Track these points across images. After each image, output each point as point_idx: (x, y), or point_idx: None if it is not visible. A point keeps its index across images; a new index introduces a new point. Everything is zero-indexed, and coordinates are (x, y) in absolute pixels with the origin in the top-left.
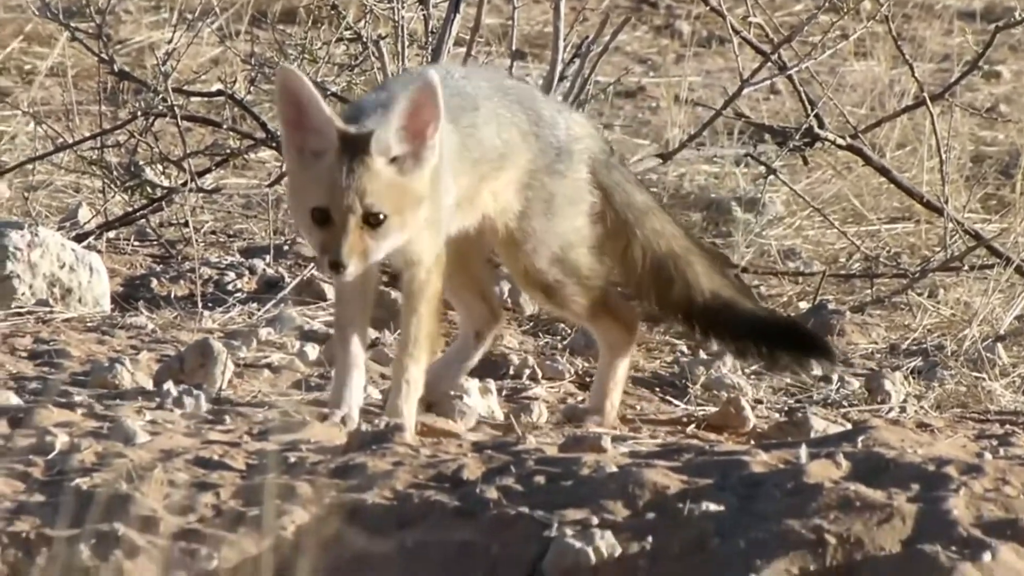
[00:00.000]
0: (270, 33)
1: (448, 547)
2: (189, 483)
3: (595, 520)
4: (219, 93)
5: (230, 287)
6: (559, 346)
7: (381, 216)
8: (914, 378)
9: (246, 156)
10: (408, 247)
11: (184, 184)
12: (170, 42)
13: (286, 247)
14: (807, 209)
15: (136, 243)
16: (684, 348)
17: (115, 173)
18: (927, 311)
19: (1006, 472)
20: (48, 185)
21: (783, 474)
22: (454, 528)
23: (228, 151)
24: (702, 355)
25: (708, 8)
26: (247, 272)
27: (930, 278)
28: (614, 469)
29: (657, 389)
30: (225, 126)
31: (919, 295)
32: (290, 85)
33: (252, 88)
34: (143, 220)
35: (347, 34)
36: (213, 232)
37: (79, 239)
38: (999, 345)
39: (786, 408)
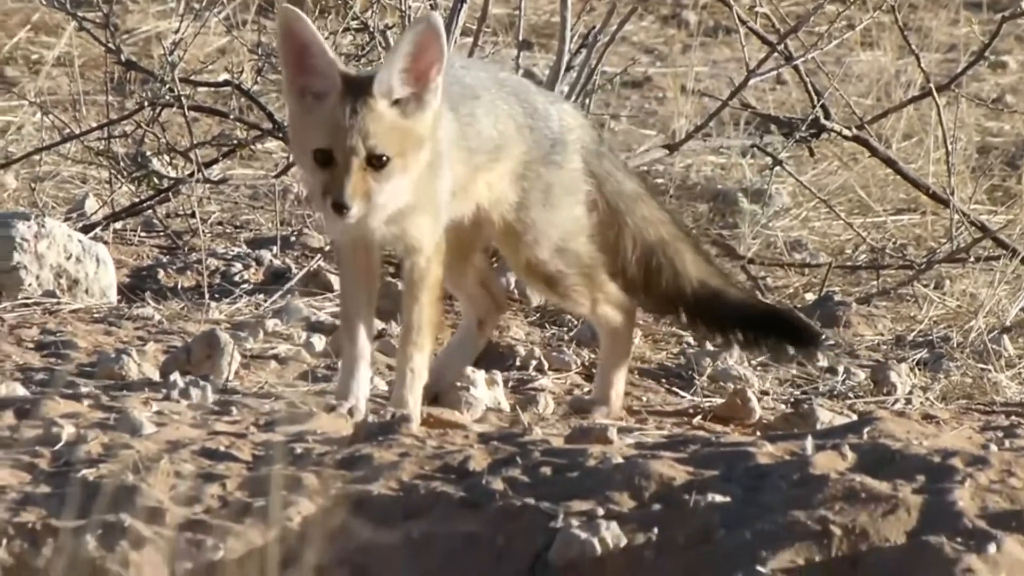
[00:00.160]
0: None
1: (454, 538)
2: (195, 474)
3: (601, 511)
4: (226, 83)
5: (237, 278)
6: (565, 337)
7: (384, 158)
8: (920, 370)
9: (253, 147)
10: (408, 232)
11: (191, 175)
12: (177, 32)
13: (293, 238)
14: (813, 200)
15: (143, 234)
16: (690, 340)
17: (122, 164)
18: (933, 303)
19: (1011, 464)
20: (55, 176)
21: (789, 465)
22: (460, 519)
23: (235, 141)
24: (708, 346)
25: None
26: (254, 263)
27: (936, 269)
28: (620, 460)
29: (663, 380)
30: (232, 116)
31: (925, 286)
32: (292, 26)
33: (259, 78)
34: (150, 211)
35: (354, 24)
36: (220, 223)
37: (86, 230)
38: (1005, 337)
39: (792, 399)
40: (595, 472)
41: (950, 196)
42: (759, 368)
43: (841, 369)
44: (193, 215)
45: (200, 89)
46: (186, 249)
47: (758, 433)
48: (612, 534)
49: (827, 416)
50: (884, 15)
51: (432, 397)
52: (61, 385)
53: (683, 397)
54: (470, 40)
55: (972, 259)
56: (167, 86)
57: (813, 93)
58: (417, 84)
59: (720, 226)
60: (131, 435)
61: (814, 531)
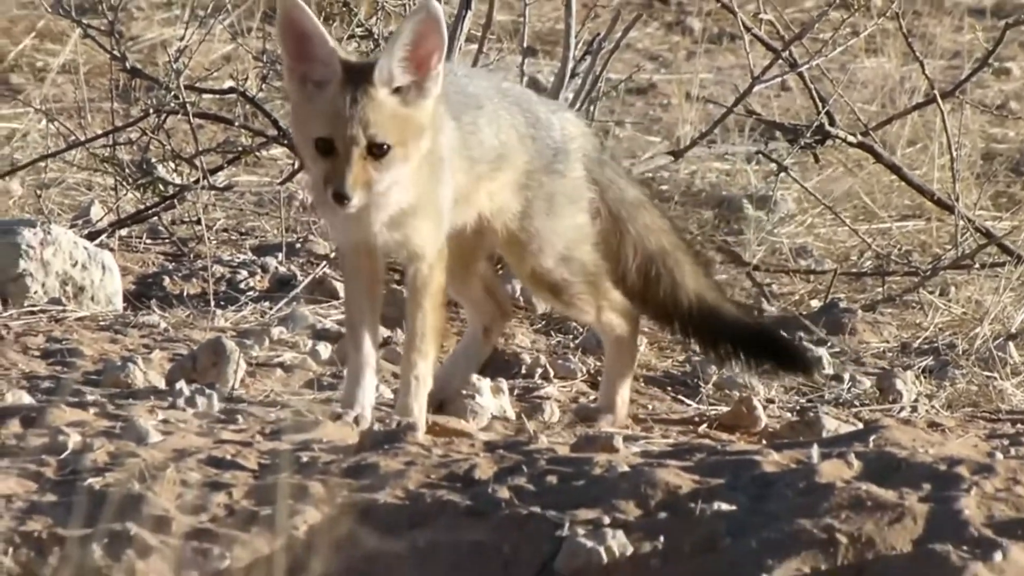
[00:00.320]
0: None
1: (460, 547)
2: (201, 483)
3: (607, 520)
4: (231, 90)
5: (242, 285)
6: (571, 345)
7: (385, 146)
8: (925, 377)
9: (258, 153)
10: (410, 239)
11: (196, 182)
12: (182, 39)
13: (298, 245)
14: (818, 207)
15: (148, 241)
16: (694, 347)
17: (127, 171)
18: (938, 309)
19: (1017, 472)
20: (60, 183)
21: (795, 474)
22: (466, 528)
23: (240, 148)
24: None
25: (719, 5)
26: (259, 270)
27: (941, 276)
28: (626, 469)
29: (669, 388)
30: (237, 123)
31: (930, 293)
32: (292, 14)
33: (264, 85)
34: (155, 218)
35: (359, 31)
36: (225, 230)
37: (91, 237)
38: (1010, 344)
39: (798, 408)
40: (601, 480)
41: (955, 202)
42: (764, 376)
43: (846, 377)
44: (198, 222)
45: (205, 96)
46: (192, 256)
47: (764, 441)
48: (618, 543)
49: (833, 424)
50: (888, 22)
51: (438, 405)
52: (67, 393)
53: (689, 405)
54: (475, 47)
55: (977, 266)
56: (172, 93)
57: (818, 100)
58: (418, 72)
59: (725, 233)
60: (137, 443)
61: (820, 539)
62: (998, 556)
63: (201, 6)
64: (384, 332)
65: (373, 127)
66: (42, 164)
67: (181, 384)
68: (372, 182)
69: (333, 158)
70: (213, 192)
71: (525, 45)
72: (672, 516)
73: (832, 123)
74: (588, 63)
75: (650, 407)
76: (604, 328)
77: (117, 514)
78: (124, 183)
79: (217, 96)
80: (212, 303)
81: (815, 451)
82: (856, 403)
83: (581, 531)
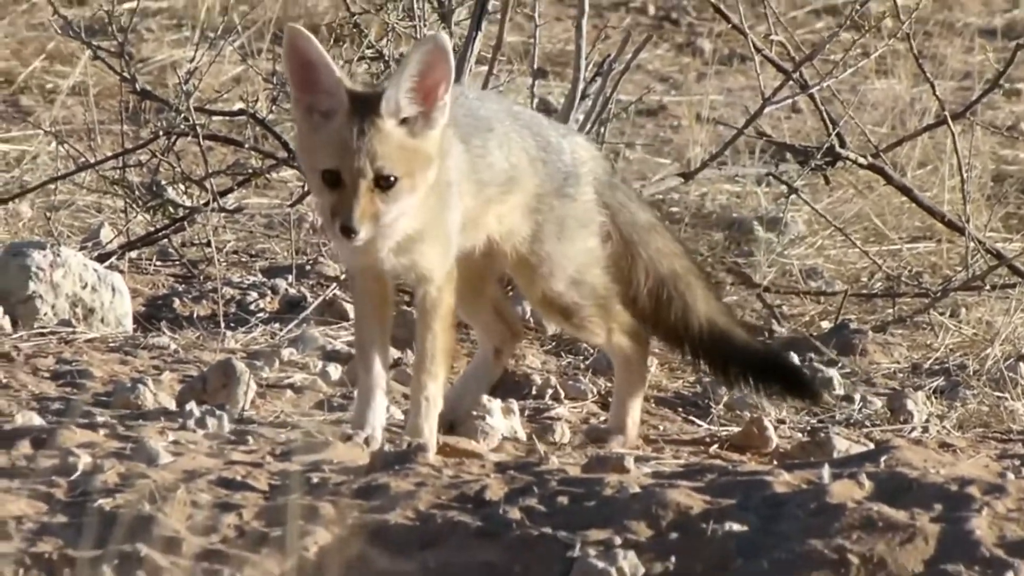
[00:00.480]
0: None
1: (471, 568)
2: (212, 504)
3: (618, 540)
4: (241, 112)
5: (252, 307)
6: (582, 366)
7: (392, 178)
8: (936, 398)
9: (268, 176)
10: (419, 263)
11: (206, 204)
12: (192, 61)
13: (308, 267)
14: (829, 228)
15: (158, 263)
16: (704, 370)
17: (137, 193)
18: (949, 330)
19: None
20: (70, 205)
21: (806, 494)
22: (477, 549)
23: (250, 171)
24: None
25: (730, 26)
26: (269, 292)
27: (952, 297)
28: (637, 489)
29: (680, 409)
30: (247, 145)
31: (941, 314)
32: (299, 45)
33: (274, 107)
34: (165, 240)
35: (369, 52)
36: (235, 252)
37: (101, 259)
38: (1021, 364)
39: (809, 428)
40: (612, 501)
41: (965, 224)
42: (773, 399)
43: (857, 397)
44: (208, 244)
45: (215, 118)
46: (201, 278)
47: (775, 462)
48: (629, 563)
49: (844, 444)
50: (899, 43)
51: (448, 426)
52: (77, 415)
53: (700, 426)
54: (485, 68)
55: (988, 287)
56: (182, 115)
57: (828, 121)
58: (425, 103)
59: (736, 254)
60: (147, 465)
61: (831, 560)
62: None
63: (211, 28)
64: (394, 353)
65: (380, 159)
66: (52, 186)
67: (191, 405)
68: (379, 214)
69: (340, 190)
70: (223, 214)
71: (536, 67)
72: (683, 537)
73: (843, 144)
74: (598, 85)
75: (661, 428)
76: (614, 350)
77: (127, 535)
78: (134, 205)
79: (227, 118)
80: (222, 325)
81: (826, 471)
82: (867, 423)
83: (592, 552)
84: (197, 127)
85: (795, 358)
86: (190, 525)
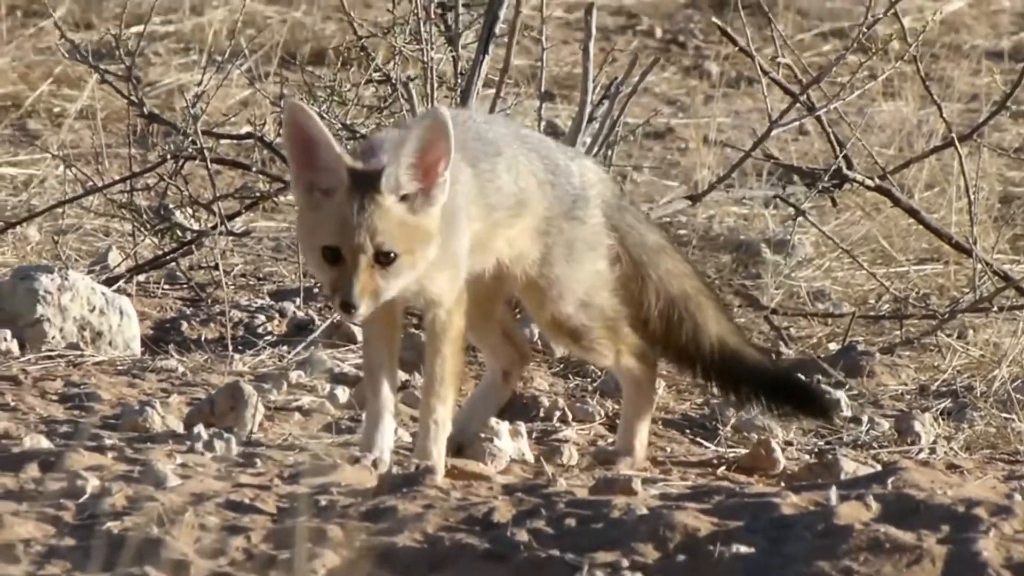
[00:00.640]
0: (299, 75)
1: None
2: (220, 527)
3: (626, 562)
4: (248, 136)
5: (260, 330)
6: (589, 388)
7: (392, 255)
8: (944, 419)
9: (275, 199)
10: (428, 288)
11: (214, 227)
12: (199, 84)
13: (316, 290)
14: (836, 250)
15: (166, 286)
16: (714, 390)
17: (145, 216)
18: (956, 352)
19: None
20: (78, 228)
21: (813, 516)
22: (485, 571)
23: (258, 194)
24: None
25: (737, 49)
26: (277, 315)
27: (959, 319)
28: (644, 511)
29: (687, 431)
30: (255, 169)
31: (948, 336)
32: (298, 121)
33: (281, 130)
34: (173, 263)
35: (376, 76)
36: (243, 275)
37: (109, 282)
38: None
39: (816, 450)
40: (620, 523)
41: (973, 246)
42: (784, 419)
43: (865, 419)
44: (216, 267)
45: (223, 141)
46: (209, 301)
47: (782, 483)
48: None
49: (851, 466)
50: (906, 65)
51: (456, 449)
52: (85, 437)
53: (707, 448)
54: (492, 92)
55: (995, 308)
56: (190, 138)
57: (835, 143)
58: (425, 180)
59: (743, 276)
60: (155, 487)
61: None
62: None
63: (218, 51)
64: (402, 376)
65: (380, 236)
66: (59, 210)
67: (199, 428)
68: (380, 291)
69: (340, 266)
70: (231, 237)
71: (543, 90)
72: (691, 558)
73: (850, 167)
74: (606, 107)
75: (668, 450)
76: (623, 372)
77: (135, 558)
78: (142, 229)
79: (235, 141)
80: (230, 347)
81: (833, 493)
82: (874, 445)
83: (600, 574)
84: (205, 150)
85: (805, 379)
86: (198, 548)
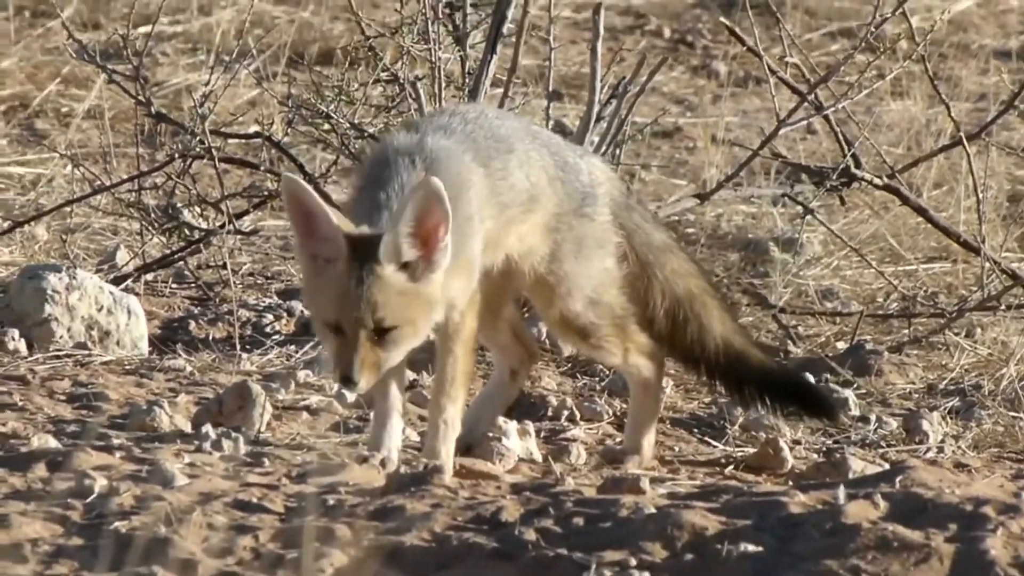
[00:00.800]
0: (307, 75)
1: None
2: (228, 526)
3: (633, 561)
4: (256, 135)
5: (268, 329)
6: (597, 387)
7: (392, 327)
8: (952, 418)
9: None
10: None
11: (222, 226)
12: (207, 84)
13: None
14: (844, 249)
15: (174, 285)
16: (720, 390)
17: (153, 215)
18: (964, 351)
19: None
20: (86, 228)
21: (821, 515)
22: (493, 570)
23: (265, 193)
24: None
25: (745, 48)
26: (285, 314)
27: (967, 318)
28: (652, 510)
29: (695, 430)
30: (262, 168)
31: (956, 335)
32: (294, 194)
33: (289, 130)
34: (181, 262)
35: (384, 75)
36: (251, 274)
37: (117, 282)
38: None
39: (824, 449)
40: (627, 522)
41: (981, 244)
42: (789, 419)
43: (873, 418)
44: (224, 266)
45: (230, 141)
46: (217, 300)
47: (790, 482)
48: None
49: (859, 465)
50: (914, 65)
51: (465, 448)
52: (93, 437)
53: (715, 447)
54: (500, 91)
55: (1003, 307)
56: (198, 138)
57: (844, 142)
58: (425, 247)
59: (751, 275)
60: (163, 487)
61: None
62: None
63: (226, 51)
64: (410, 375)
65: (380, 310)
66: (67, 209)
67: (207, 428)
68: (381, 363)
69: (341, 338)
70: (239, 236)
71: (551, 89)
72: (699, 557)
73: (858, 165)
74: (614, 107)
75: (676, 449)
76: (630, 370)
77: (143, 558)
78: (149, 228)
79: (242, 141)
80: (238, 347)
81: (841, 492)
82: (882, 444)
83: (608, 573)
84: (212, 150)
85: (811, 378)
86: (206, 547)
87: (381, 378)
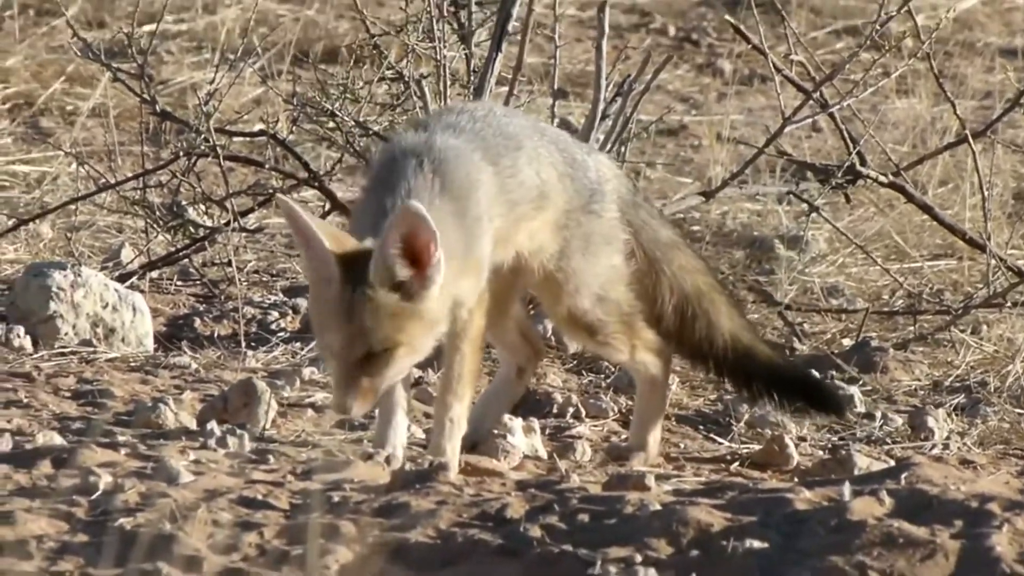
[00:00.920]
0: (312, 73)
1: None
2: (233, 523)
3: (639, 558)
4: (261, 133)
5: (273, 326)
6: (603, 384)
7: (388, 348)
8: (957, 415)
9: (288, 196)
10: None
11: (227, 224)
12: (212, 82)
13: None
14: (850, 246)
15: (179, 283)
16: (728, 386)
17: (158, 213)
18: (970, 348)
19: None
20: (91, 225)
21: (826, 511)
22: (498, 566)
23: (270, 190)
24: (745, 393)
25: (750, 46)
26: (290, 311)
27: (973, 315)
28: (658, 507)
29: (701, 427)
30: (267, 166)
31: (962, 332)
32: (288, 217)
33: (294, 128)
34: (186, 260)
35: (389, 73)
36: (256, 271)
37: (122, 279)
38: None
39: (829, 445)
40: (633, 519)
41: (986, 241)
42: (796, 414)
43: (878, 415)
44: (229, 264)
45: (235, 139)
46: (222, 298)
47: (795, 479)
48: None
49: (864, 462)
50: (919, 63)
51: (470, 446)
52: (98, 434)
53: (720, 444)
54: (505, 89)
55: (1009, 304)
56: (202, 136)
57: (849, 140)
58: (416, 266)
59: (756, 273)
60: (168, 484)
61: None
62: None
63: (231, 49)
64: (415, 372)
65: (372, 335)
66: (72, 207)
67: (212, 424)
68: (376, 386)
69: (336, 363)
70: (244, 234)
71: (556, 87)
72: (704, 554)
73: (863, 163)
74: (619, 105)
75: (682, 445)
76: (637, 367)
77: (148, 554)
78: (154, 225)
79: (247, 139)
80: (243, 344)
81: (847, 489)
82: (888, 441)
83: (613, 569)
84: (217, 148)
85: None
86: (211, 544)
87: None
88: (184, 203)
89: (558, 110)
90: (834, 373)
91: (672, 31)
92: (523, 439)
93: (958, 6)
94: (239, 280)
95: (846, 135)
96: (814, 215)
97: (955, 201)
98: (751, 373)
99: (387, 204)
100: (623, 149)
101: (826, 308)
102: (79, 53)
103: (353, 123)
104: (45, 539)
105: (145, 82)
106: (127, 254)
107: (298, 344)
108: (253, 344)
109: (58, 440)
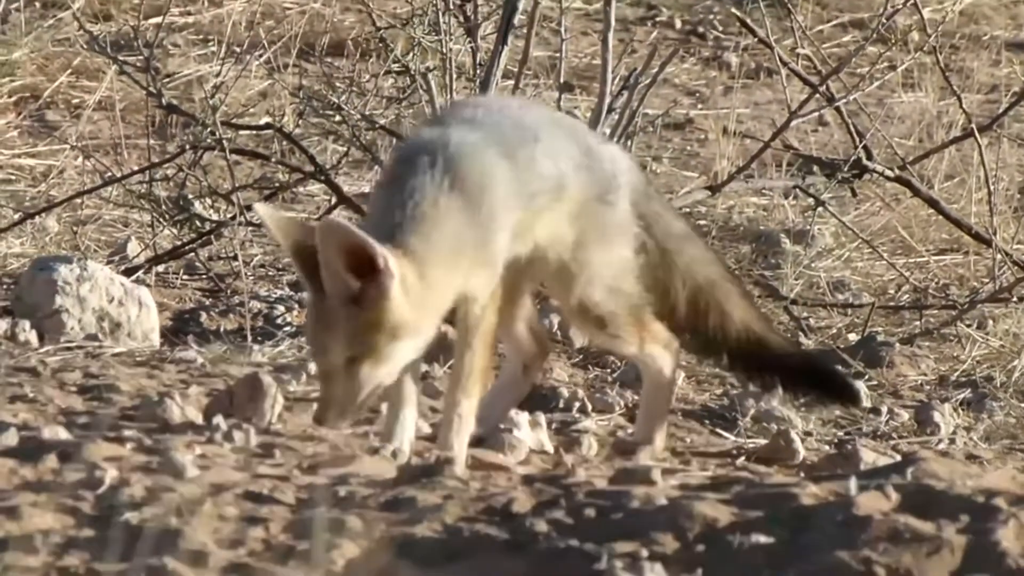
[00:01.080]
0: (318, 66)
1: None
2: (239, 517)
3: (645, 552)
4: (267, 127)
5: (280, 321)
6: (609, 379)
7: (353, 361)
8: (963, 410)
9: (295, 190)
10: (465, 285)
11: (233, 218)
12: (218, 75)
13: None
14: (856, 241)
15: (185, 277)
16: (734, 381)
17: (164, 207)
18: (976, 342)
19: None
20: (96, 219)
21: (833, 506)
22: (504, 561)
23: (277, 184)
24: (752, 387)
25: (756, 40)
26: (296, 305)
27: (979, 309)
28: (664, 502)
29: (707, 422)
30: (274, 159)
31: (968, 326)
32: (265, 226)
33: (300, 121)
34: (192, 254)
35: (395, 67)
36: (262, 266)
37: (128, 273)
38: None
39: (836, 440)
40: (639, 513)
41: (992, 236)
42: (802, 409)
43: (884, 409)
44: (235, 258)
45: (241, 132)
46: (228, 292)
47: (802, 474)
48: (656, 575)
49: (871, 457)
50: (925, 56)
51: (476, 440)
52: (104, 428)
53: (726, 438)
54: (511, 83)
55: (1015, 299)
56: (208, 129)
57: (855, 134)
58: (361, 278)
59: (762, 267)
60: (174, 478)
61: (858, 572)
62: None
63: (237, 43)
64: (422, 366)
65: (332, 350)
66: (78, 201)
67: (218, 419)
68: (352, 398)
69: (320, 375)
70: (250, 228)
71: (562, 81)
72: (710, 548)
73: (869, 157)
74: (625, 98)
75: (688, 440)
76: (645, 360)
77: (154, 549)
78: (161, 219)
79: (253, 132)
80: (249, 338)
81: (853, 483)
82: (894, 435)
83: (619, 564)
84: (224, 141)
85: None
86: (217, 538)
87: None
88: (190, 197)
89: (564, 104)
90: (840, 368)
91: (678, 24)
92: (529, 433)
93: None
94: (245, 274)
95: (852, 129)
96: (820, 209)
97: (961, 195)
98: (765, 363)
99: (394, 200)
100: (629, 143)
101: (832, 303)
102: (85, 46)
103: (359, 116)
104: (51, 533)
105: (151, 75)
106: (133, 248)
107: (304, 338)
108: (259, 338)
109: (64, 435)
